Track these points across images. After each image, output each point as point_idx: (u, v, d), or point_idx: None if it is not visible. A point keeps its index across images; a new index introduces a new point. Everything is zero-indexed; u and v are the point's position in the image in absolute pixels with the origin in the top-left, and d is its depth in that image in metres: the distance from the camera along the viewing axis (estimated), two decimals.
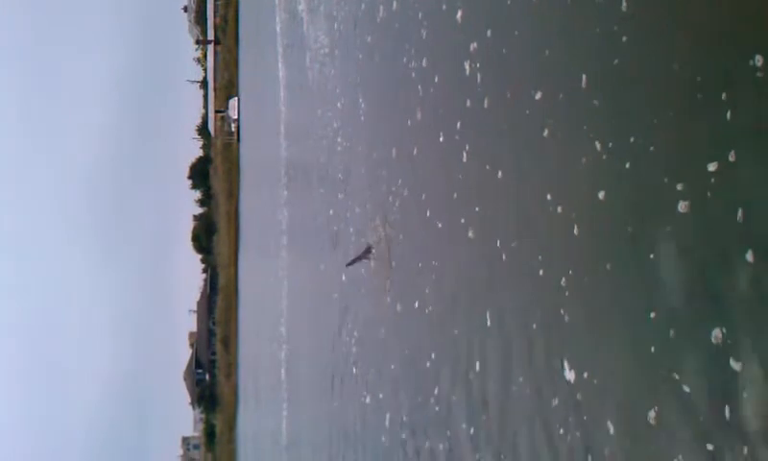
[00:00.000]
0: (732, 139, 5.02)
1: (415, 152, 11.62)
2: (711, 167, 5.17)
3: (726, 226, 5.03)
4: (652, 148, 5.89)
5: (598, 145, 6.71)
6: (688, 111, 5.49)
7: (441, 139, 10.29)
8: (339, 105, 18.02)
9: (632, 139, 6.15)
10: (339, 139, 17.90)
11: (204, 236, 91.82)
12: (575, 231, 7.01)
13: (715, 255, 5.15)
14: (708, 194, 5.20)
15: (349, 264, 15.39)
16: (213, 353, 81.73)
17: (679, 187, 5.48)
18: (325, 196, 19.46)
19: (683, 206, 5.43)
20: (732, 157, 5.01)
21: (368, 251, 14.27)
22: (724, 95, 5.10)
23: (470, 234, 9.28)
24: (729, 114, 5.06)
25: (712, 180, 5.16)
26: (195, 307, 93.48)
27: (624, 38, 6.32)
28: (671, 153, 5.68)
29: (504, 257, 8.28)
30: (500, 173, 8.64)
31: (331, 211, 18.35)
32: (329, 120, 19.06)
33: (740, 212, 4.93)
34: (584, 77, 6.94)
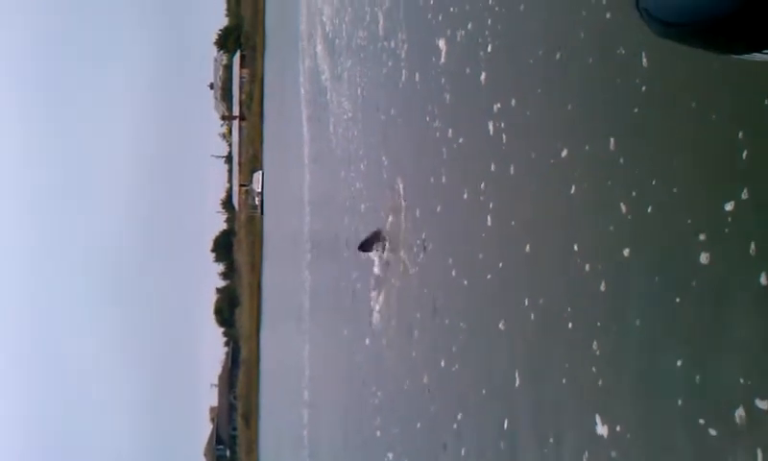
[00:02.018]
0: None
1: (438, 209, 11.65)
2: (728, 213, 5.11)
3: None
4: (675, 203, 5.85)
5: (623, 204, 6.69)
6: (710, 165, 5.48)
7: (465, 197, 10.31)
8: (362, 166, 18.22)
9: (655, 196, 6.13)
10: (362, 205, 18.02)
11: (227, 309, 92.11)
12: (602, 288, 6.97)
13: (736, 305, 5.06)
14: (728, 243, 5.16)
15: (361, 248, 15.79)
16: (234, 429, 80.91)
17: (701, 238, 5.43)
18: (348, 260, 19.48)
19: (704, 258, 5.37)
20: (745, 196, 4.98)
21: (378, 236, 14.87)
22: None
23: (496, 289, 9.22)
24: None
25: (730, 229, 5.13)
26: (216, 381, 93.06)
27: (645, 92, 6.33)
28: (694, 207, 5.64)
29: (533, 316, 8.19)
30: (526, 232, 8.63)
31: (354, 275, 18.36)
32: (352, 181, 19.26)
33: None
34: (608, 133, 6.95)
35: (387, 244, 15.20)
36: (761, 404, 4.74)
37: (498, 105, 9.54)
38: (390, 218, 15.00)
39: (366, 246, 16.25)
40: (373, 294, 16.23)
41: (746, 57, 2.75)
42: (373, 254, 16.07)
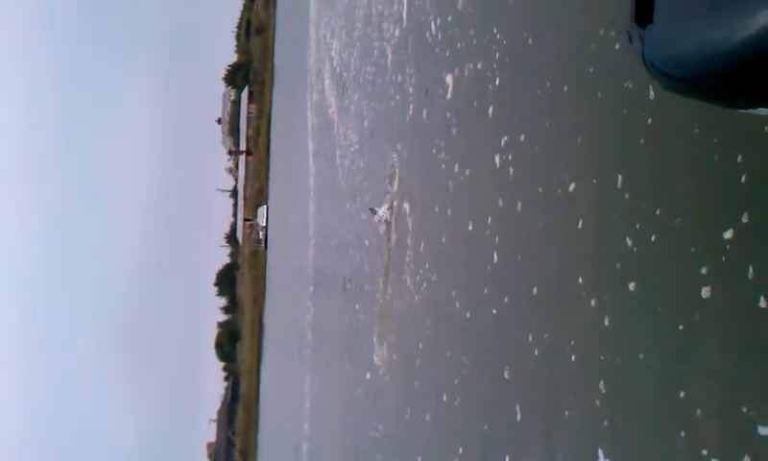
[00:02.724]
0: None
1: (443, 241, 11.61)
2: (727, 241, 5.10)
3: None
4: (679, 235, 5.80)
5: (629, 238, 6.63)
6: (712, 195, 5.45)
7: (470, 228, 10.26)
8: (368, 197, 18.24)
9: (660, 229, 6.08)
10: (365, 240, 17.97)
11: (228, 344, 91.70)
12: (606, 323, 6.89)
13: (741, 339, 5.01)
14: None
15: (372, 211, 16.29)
16: None
17: (703, 271, 5.40)
18: (351, 293, 19.39)
19: (705, 292, 5.35)
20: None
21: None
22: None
23: (500, 323, 9.12)
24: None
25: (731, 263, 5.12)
26: (215, 417, 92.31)
27: (652, 126, 6.31)
28: (696, 240, 5.59)
29: (536, 352, 8.08)
30: (532, 266, 8.55)
31: (357, 305, 18.25)
32: (357, 212, 19.23)
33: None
34: (615, 166, 6.92)
35: (390, 276, 15.14)
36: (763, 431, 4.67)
37: (506, 138, 9.52)
38: (394, 250, 14.94)
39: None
40: (376, 327, 16.12)
41: (750, 111, 2.75)
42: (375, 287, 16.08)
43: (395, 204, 15.27)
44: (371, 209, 16.84)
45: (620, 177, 6.81)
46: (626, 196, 6.73)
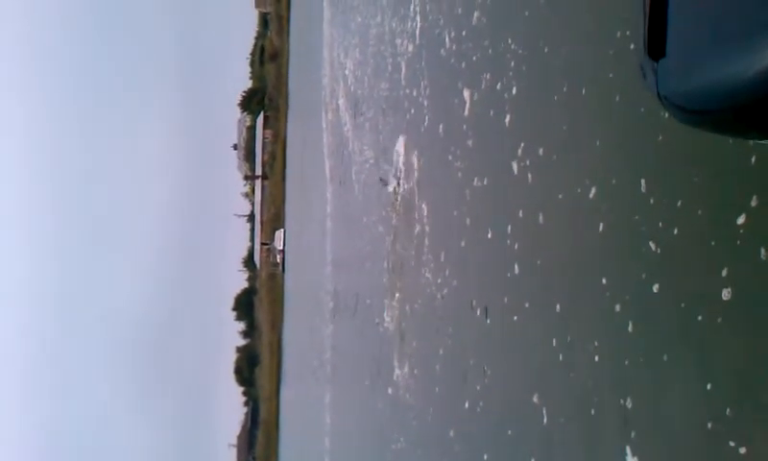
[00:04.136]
0: None
1: (463, 244, 11.56)
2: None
3: None
4: (701, 236, 5.72)
5: (652, 243, 6.55)
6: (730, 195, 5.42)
7: (489, 236, 10.20)
8: (383, 213, 18.24)
9: (682, 230, 6.01)
10: (382, 250, 17.96)
11: (247, 368, 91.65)
12: (630, 329, 6.80)
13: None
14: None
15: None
16: None
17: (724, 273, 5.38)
18: (371, 307, 19.31)
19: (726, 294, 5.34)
20: None
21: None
22: None
23: (521, 329, 9.03)
24: None
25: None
26: (235, 442, 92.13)
27: (671, 126, 6.24)
28: (717, 241, 5.55)
29: (561, 357, 7.98)
30: (552, 272, 8.47)
31: (376, 319, 18.17)
32: (374, 225, 19.21)
33: None
34: (636, 169, 6.86)
35: (409, 285, 15.10)
36: None
37: (523, 144, 9.47)
38: (412, 259, 14.89)
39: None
40: (395, 339, 16.05)
41: (764, 142, 2.74)
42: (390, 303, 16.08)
43: (414, 213, 15.23)
44: (381, 179, 17.00)
45: (641, 179, 6.75)
46: (646, 197, 6.66)
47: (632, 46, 7.02)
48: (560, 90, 8.55)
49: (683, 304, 5.96)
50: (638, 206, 6.75)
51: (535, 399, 8.47)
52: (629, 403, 6.65)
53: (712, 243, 5.61)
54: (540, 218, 8.87)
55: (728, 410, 5.31)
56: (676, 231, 6.15)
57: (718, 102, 2.85)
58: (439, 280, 12.79)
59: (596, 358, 7.21)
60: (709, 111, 2.94)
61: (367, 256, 20.15)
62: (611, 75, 7.46)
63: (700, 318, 5.68)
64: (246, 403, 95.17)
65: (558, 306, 8.23)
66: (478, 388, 10.34)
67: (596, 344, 7.30)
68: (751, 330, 5.18)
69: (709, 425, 5.44)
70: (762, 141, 2.97)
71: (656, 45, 3.23)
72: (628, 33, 7.08)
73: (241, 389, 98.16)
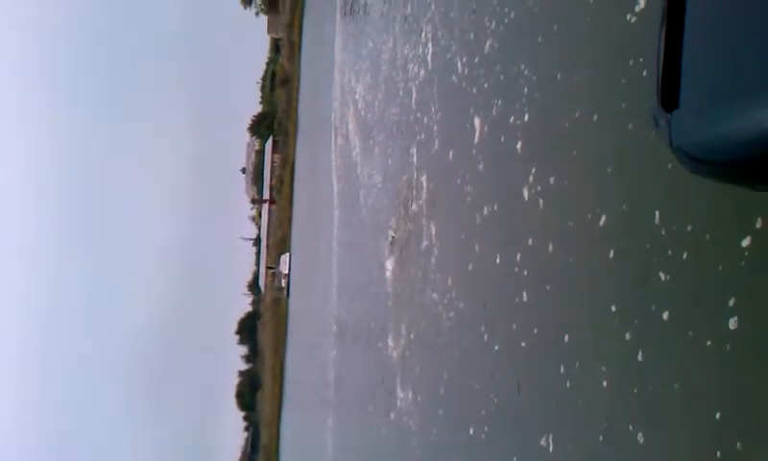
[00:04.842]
0: None
1: (469, 271, 11.52)
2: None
3: None
4: (712, 265, 5.69)
5: (662, 273, 6.52)
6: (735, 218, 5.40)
7: (497, 261, 10.16)
8: (390, 236, 18.23)
9: (693, 259, 5.98)
10: (387, 275, 17.91)
11: (249, 393, 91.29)
12: (639, 358, 6.75)
13: None
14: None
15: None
16: None
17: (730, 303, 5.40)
18: (374, 338, 19.22)
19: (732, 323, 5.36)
20: None
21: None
22: None
23: (529, 356, 8.96)
24: None
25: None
26: None
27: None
28: (726, 271, 5.52)
29: (568, 384, 7.91)
30: (562, 297, 8.43)
31: (380, 344, 18.07)
32: (381, 248, 19.23)
33: None
34: (647, 197, 6.83)
35: (414, 309, 15.04)
36: None
37: (534, 170, 9.46)
38: (418, 285, 14.86)
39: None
40: (399, 362, 15.97)
41: None
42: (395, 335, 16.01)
43: (422, 238, 15.21)
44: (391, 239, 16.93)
45: (651, 206, 6.72)
46: (656, 224, 6.63)
47: (644, 73, 7.03)
48: (572, 117, 8.56)
49: (690, 333, 5.93)
50: (648, 233, 6.72)
51: (542, 425, 8.39)
52: (637, 432, 6.57)
53: (720, 268, 5.59)
54: (550, 245, 8.83)
55: (738, 444, 5.25)
56: (685, 256, 6.12)
57: (731, 154, 2.88)
58: (445, 305, 12.74)
59: (605, 384, 7.15)
60: (723, 163, 2.98)
61: (373, 280, 20.11)
62: (623, 104, 7.47)
63: (709, 344, 5.63)
64: (246, 428, 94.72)
65: (566, 333, 8.17)
66: (483, 414, 10.25)
67: (604, 370, 7.24)
68: (760, 359, 5.15)
69: (718, 454, 5.39)
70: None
71: (669, 96, 3.25)
72: (641, 60, 7.09)
73: (242, 414, 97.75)
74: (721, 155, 3.00)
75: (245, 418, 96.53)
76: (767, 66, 2.75)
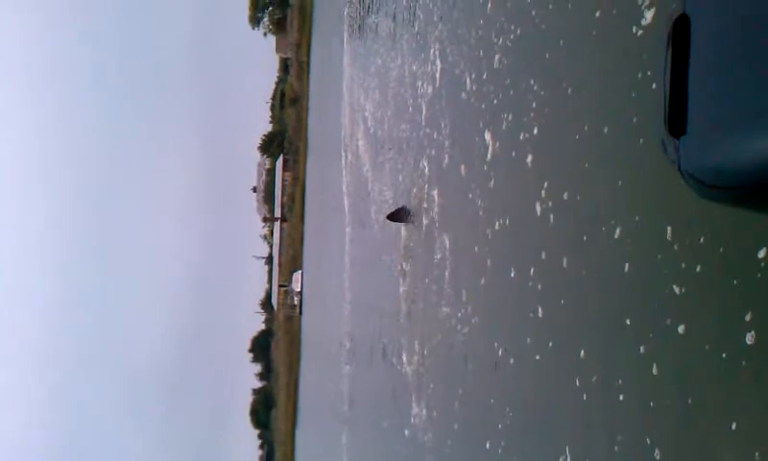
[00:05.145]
0: None
1: (482, 285, 11.55)
2: None
3: None
4: (726, 278, 5.70)
5: (675, 285, 6.52)
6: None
7: (511, 275, 10.17)
8: (403, 252, 18.29)
9: (707, 273, 5.99)
10: (400, 288, 17.91)
11: (263, 411, 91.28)
12: (654, 371, 6.75)
13: None
14: None
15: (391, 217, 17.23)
16: None
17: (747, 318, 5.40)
18: (387, 354, 19.21)
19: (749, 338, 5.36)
20: None
21: (406, 213, 16.19)
22: None
23: (546, 369, 8.97)
24: None
25: None
26: None
27: None
28: (741, 284, 5.53)
29: (585, 396, 7.91)
30: (576, 310, 8.43)
31: (394, 359, 18.06)
32: (393, 263, 19.21)
33: None
34: (661, 208, 6.84)
35: (428, 323, 15.06)
36: None
37: (546, 184, 9.49)
38: (431, 300, 14.87)
39: (396, 216, 17.68)
40: (411, 376, 15.94)
41: None
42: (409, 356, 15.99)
43: (434, 253, 15.24)
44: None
45: (664, 218, 6.74)
46: (670, 236, 6.64)
47: (653, 86, 7.07)
48: (582, 131, 8.60)
49: (707, 347, 5.92)
50: (662, 246, 6.73)
51: (558, 439, 8.38)
52: (654, 446, 6.56)
53: (734, 282, 5.60)
54: (564, 258, 8.85)
55: (756, 454, 5.24)
56: (699, 269, 6.12)
57: (739, 179, 2.93)
58: (459, 319, 12.75)
59: (621, 398, 7.15)
60: (731, 188, 3.03)
61: (385, 296, 20.12)
62: (633, 118, 7.50)
63: (724, 357, 5.63)
64: (261, 446, 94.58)
65: (581, 347, 8.17)
66: (500, 428, 10.24)
67: (621, 383, 7.24)
68: None
69: None
70: None
71: (676, 122, 3.30)
72: (649, 73, 7.13)
73: (256, 432, 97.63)
74: (729, 180, 3.05)
75: (259, 436, 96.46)
76: None
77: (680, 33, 3.32)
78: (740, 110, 2.93)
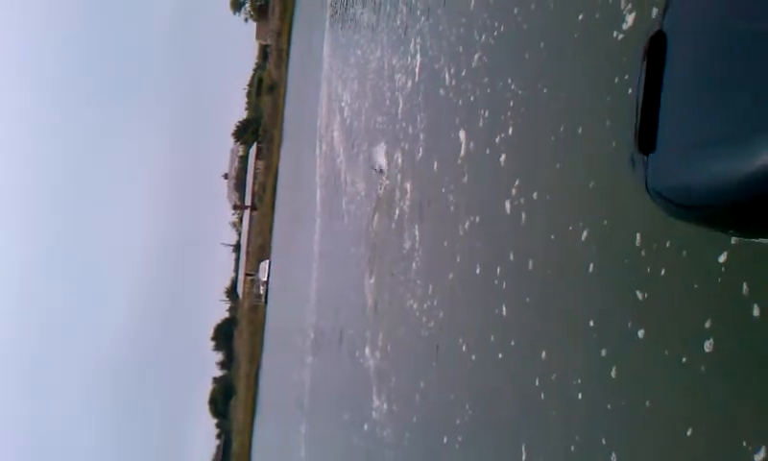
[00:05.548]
0: None
1: (451, 277, 11.54)
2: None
3: None
4: (684, 275, 5.74)
5: (638, 291, 6.55)
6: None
7: (477, 271, 10.19)
8: (372, 244, 18.29)
9: (669, 275, 6.02)
10: (368, 281, 17.88)
11: (222, 400, 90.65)
12: (613, 374, 6.78)
13: None
14: None
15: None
16: None
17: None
18: (351, 348, 19.17)
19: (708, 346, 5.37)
20: None
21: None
22: None
23: (507, 366, 8.99)
24: None
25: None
26: None
27: None
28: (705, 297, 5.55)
29: (542, 396, 7.94)
30: (540, 310, 8.46)
31: (357, 353, 18.02)
32: (362, 255, 19.25)
33: None
34: (630, 210, 6.87)
35: (392, 316, 15.04)
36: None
37: (517, 183, 9.51)
38: (397, 294, 14.86)
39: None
40: (374, 372, 15.93)
41: (754, 240, 2.83)
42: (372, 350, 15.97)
43: (403, 245, 15.23)
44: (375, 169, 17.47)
45: (632, 221, 6.77)
46: (636, 240, 6.68)
47: (629, 91, 7.10)
48: (557, 131, 8.62)
49: (666, 352, 5.96)
50: (628, 249, 6.76)
51: (516, 436, 8.41)
52: (609, 446, 6.60)
53: (695, 286, 5.64)
54: (531, 258, 8.87)
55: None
56: (663, 273, 6.16)
57: (703, 200, 2.97)
58: (424, 312, 12.75)
59: (579, 397, 7.18)
60: (694, 208, 3.07)
61: (353, 288, 20.08)
62: (607, 122, 7.53)
63: (684, 361, 5.67)
64: (218, 436, 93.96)
65: (543, 345, 8.20)
66: (458, 423, 10.25)
67: (579, 383, 7.27)
68: (734, 377, 5.19)
69: None
70: (740, 237, 3.11)
71: (646, 139, 3.31)
72: (626, 77, 7.16)
73: (215, 421, 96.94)
74: (696, 199, 3.08)
75: (217, 425, 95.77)
76: (738, 117, 2.82)
77: (656, 49, 3.33)
78: (709, 131, 2.97)
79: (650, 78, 3.34)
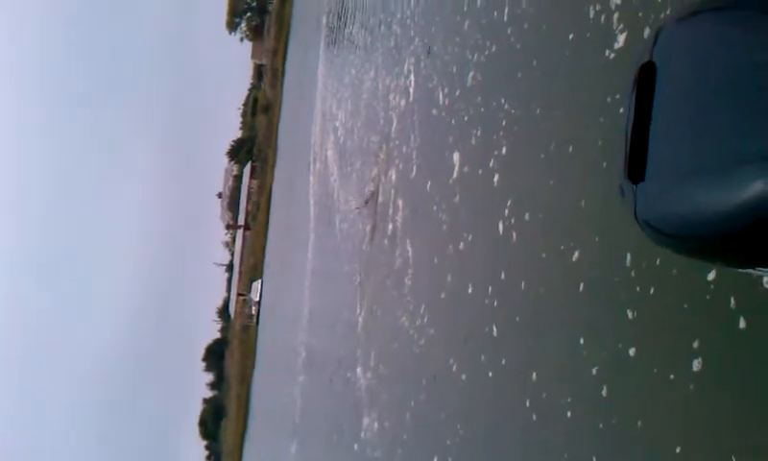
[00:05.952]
0: None
1: (443, 296, 11.54)
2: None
3: None
4: (678, 300, 5.75)
5: (629, 310, 6.56)
6: None
7: (469, 291, 10.17)
8: (364, 262, 18.21)
9: (658, 291, 6.03)
10: (359, 297, 17.83)
11: (212, 421, 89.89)
12: (604, 393, 6.76)
13: None
14: None
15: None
16: None
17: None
18: (342, 367, 19.08)
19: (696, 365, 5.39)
20: None
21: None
22: None
23: (499, 385, 8.94)
24: None
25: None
26: None
27: None
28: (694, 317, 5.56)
29: (534, 417, 7.90)
30: (532, 329, 8.44)
31: (348, 374, 17.91)
32: (354, 273, 19.11)
33: None
34: (618, 229, 6.88)
35: (385, 335, 14.99)
36: None
37: (510, 203, 9.52)
38: (389, 313, 14.81)
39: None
40: (366, 393, 15.85)
41: (742, 271, 2.85)
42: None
43: (394, 265, 15.20)
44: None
45: (622, 241, 6.77)
46: (627, 260, 6.68)
47: (620, 110, 7.12)
48: (548, 152, 8.64)
49: (655, 370, 5.95)
50: (618, 268, 6.76)
51: (507, 456, 8.36)
52: None
53: (685, 306, 5.65)
54: (522, 278, 8.86)
55: None
56: (652, 291, 6.15)
57: (690, 230, 3.00)
58: (416, 330, 12.72)
59: (569, 415, 7.15)
60: (682, 238, 3.10)
61: (345, 307, 20.02)
62: (599, 142, 7.55)
63: (672, 377, 5.65)
64: (208, 458, 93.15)
65: (534, 364, 8.17)
66: (448, 443, 10.19)
67: (570, 401, 7.24)
68: (722, 395, 5.19)
69: None
70: (743, 270, 3.12)
71: (635, 169, 3.34)
72: (617, 96, 7.19)
73: (204, 442, 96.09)
74: (682, 230, 3.11)
75: (207, 447, 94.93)
76: (727, 147, 2.85)
77: (645, 79, 3.35)
78: (697, 162, 2.99)
79: (639, 107, 3.36)
